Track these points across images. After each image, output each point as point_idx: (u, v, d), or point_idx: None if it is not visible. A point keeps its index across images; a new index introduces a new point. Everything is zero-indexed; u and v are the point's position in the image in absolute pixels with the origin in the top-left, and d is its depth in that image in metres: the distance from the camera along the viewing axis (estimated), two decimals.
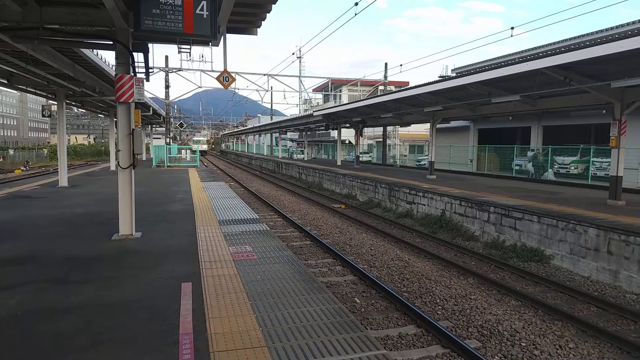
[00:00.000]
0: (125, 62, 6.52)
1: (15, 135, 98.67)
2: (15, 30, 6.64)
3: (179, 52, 15.66)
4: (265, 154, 50.32)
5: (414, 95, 15.32)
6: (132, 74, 6.53)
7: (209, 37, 5.95)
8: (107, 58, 12.81)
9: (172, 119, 37.68)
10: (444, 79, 16.23)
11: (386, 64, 30.03)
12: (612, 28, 20.02)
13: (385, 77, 30.25)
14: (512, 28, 15.51)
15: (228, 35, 7.97)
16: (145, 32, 5.83)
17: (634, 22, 19.27)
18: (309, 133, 40.59)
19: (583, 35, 21.34)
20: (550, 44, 22.83)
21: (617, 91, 9.86)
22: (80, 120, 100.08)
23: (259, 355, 3.18)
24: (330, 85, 40.74)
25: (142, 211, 8.71)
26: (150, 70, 8.30)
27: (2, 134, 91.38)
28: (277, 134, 48.00)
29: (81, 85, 13.48)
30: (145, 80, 7.75)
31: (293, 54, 33.17)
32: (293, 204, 16.67)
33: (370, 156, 38.98)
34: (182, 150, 27.79)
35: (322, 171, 23.59)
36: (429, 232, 11.55)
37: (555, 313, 6.22)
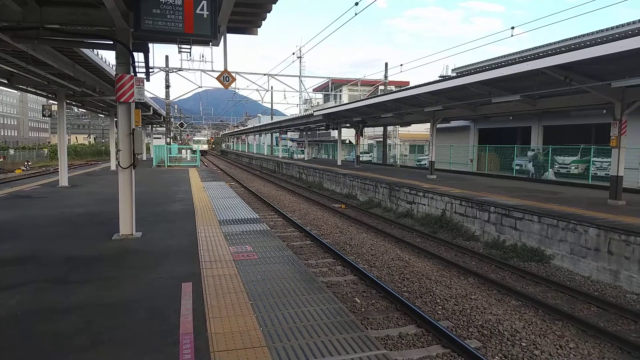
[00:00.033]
0: (125, 62, 6.52)
1: (16, 135, 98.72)
2: (16, 30, 6.65)
3: (179, 52, 15.68)
4: (265, 154, 50.31)
5: (414, 95, 15.31)
6: (133, 74, 6.53)
7: (209, 37, 5.95)
8: (108, 58, 12.83)
9: (172, 119, 37.71)
10: (444, 78, 16.23)
11: (386, 64, 30.04)
12: (612, 28, 20.00)
13: (386, 77, 30.25)
14: (513, 28, 15.52)
15: (228, 35, 7.98)
16: (145, 32, 5.83)
17: (634, 22, 19.25)
18: (309, 133, 40.59)
19: (583, 35, 21.32)
20: (550, 44, 22.81)
21: (617, 91, 9.85)
22: (81, 120, 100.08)
23: (259, 355, 3.18)
24: (330, 85, 40.75)
25: (143, 211, 8.71)
26: (150, 70, 8.29)
27: (2, 134, 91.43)
28: (278, 134, 48.02)
29: (81, 85, 13.49)
30: (145, 80, 7.76)
31: (293, 53, 33.21)
32: (293, 204, 16.67)
33: (371, 156, 38.97)
34: (183, 150, 27.85)
35: (322, 171, 23.58)
36: (429, 232, 11.55)
37: (556, 313, 6.21)
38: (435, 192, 12.93)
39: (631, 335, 5.58)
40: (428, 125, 19.26)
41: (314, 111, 30.60)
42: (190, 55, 37.60)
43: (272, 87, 47.14)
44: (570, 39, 22.06)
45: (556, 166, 19.37)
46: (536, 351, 5.07)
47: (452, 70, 33.41)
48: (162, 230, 7.40)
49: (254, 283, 4.75)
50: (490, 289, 7.31)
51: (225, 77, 10.17)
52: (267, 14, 7.48)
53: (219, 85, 12.13)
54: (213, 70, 27.19)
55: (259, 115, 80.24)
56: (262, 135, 58.21)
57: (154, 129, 48.16)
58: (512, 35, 15.69)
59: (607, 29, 20.24)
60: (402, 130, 39.86)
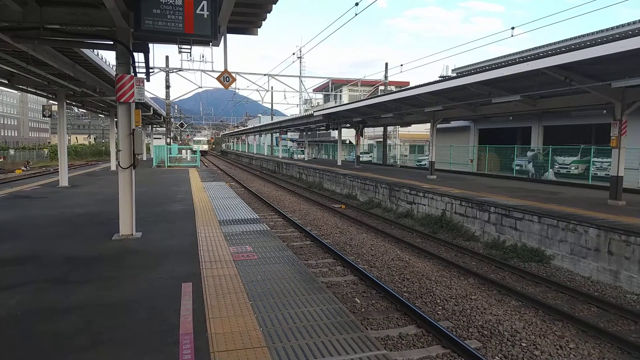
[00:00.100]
0: (125, 62, 6.52)
1: (16, 135, 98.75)
2: (16, 30, 6.65)
3: (180, 52, 15.69)
4: (265, 154, 50.32)
5: (415, 95, 15.32)
6: (133, 74, 6.53)
7: (210, 37, 5.95)
8: (108, 58, 12.83)
9: (172, 119, 37.69)
10: (444, 79, 16.23)
11: (387, 64, 30.05)
12: (612, 28, 20.00)
13: (386, 77, 30.25)
14: (513, 28, 15.52)
15: (228, 35, 7.98)
16: (145, 32, 5.83)
17: (634, 22, 19.25)
18: (310, 133, 40.60)
19: (583, 35, 21.31)
20: (550, 44, 22.81)
21: (617, 91, 9.85)
22: (81, 120, 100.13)
23: (259, 355, 3.18)
24: (330, 86, 40.74)
25: (143, 211, 8.72)
26: (150, 70, 8.29)
27: (2, 134, 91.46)
28: (278, 134, 48.02)
29: (82, 85, 13.50)
30: (145, 80, 7.75)
31: (293, 54, 33.21)
32: (293, 204, 16.66)
33: (371, 156, 38.96)
34: (183, 150, 27.82)
35: (322, 171, 23.58)
36: (429, 232, 11.55)
37: (556, 313, 6.21)
38: (436, 193, 12.93)
39: (631, 336, 5.58)
40: (428, 125, 19.26)
41: (314, 111, 30.60)
42: (190, 56, 37.70)
43: (272, 87, 47.24)
44: (571, 39, 22.06)
45: (556, 166, 19.37)
46: (536, 351, 5.06)
47: (452, 70, 33.41)
48: (162, 230, 7.40)
49: (254, 283, 4.75)
50: (491, 289, 7.31)
51: (226, 78, 10.18)
52: (267, 14, 7.48)
53: (219, 86, 12.14)
54: (213, 71, 27.21)
55: (259, 115, 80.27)
56: (262, 135, 58.22)
57: (154, 129, 48.18)
58: (512, 36, 15.71)
59: (607, 29, 20.23)
60: (402, 131, 39.86)
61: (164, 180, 17.10)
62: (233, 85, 28.11)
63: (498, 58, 26.66)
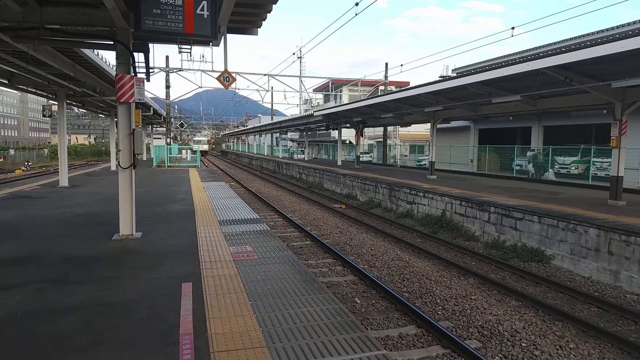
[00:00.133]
0: (125, 62, 6.52)
1: (16, 135, 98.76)
2: (16, 30, 6.65)
3: (180, 52, 15.69)
4: (265, 154, 50.32)
5: (415, 95, 15.32)
6: (133, 74, 6.53)
7: (210, 37, 5.95)
8: (108, 58, 12.83)
9: (172, 119, 37.70)
10: (444, 79, 16.23)
11: (387, 64, 30.06)
12: (612, 28, 19.99)
13: (386, 77, 30.26)
14: (513, 28, 15.53)
15: (229, 35, 7.98)
16: (145, 32, 5.83)
17: (634, 22, 19.24)
18: (310, 133, 40.60)
19: (584, 35, 21.31)
20: (550, 44, 22.81)
21: (617, 91, 9.85)
22: (81, 120, 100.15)
23: (259, 355, 3.18)
24: (330, 86, 40.74)
25: (143, 211, 8.72)
26: (150, 70, 8.29)
27: (2, 134, 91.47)
28: (278, 134, 48.02)
29: (82, 85, 13.50)
30: (145, 80, 7.75)
31: (293, 54, 33.23)
32: (293, 204, 16.66)
33: (371, 156, 38.97)
34: (183, 150, 27.81)
35: (322, 171, 23.59)
36: (429, 232, 11.55)
37: (556, 313, 6.21)
38: (436, 193, 12.93)
39: (631, 336, 5.58)
40: (428, 125, 19.25)
41: (314, 111, 30.60)
42: (190, 56, 37.73)
43: (272, 87, 47.25)
44: (571, 39, 22.05)
45: (556, 166, 19.37)
46: (536, 351, 5.06)
47: (452, 70, 33.41)
48: (162, 230, 7.40)
49: (254, 283, 4.75)
50: (491, 290, 7.31)
51: (226, 78, 10.17)
52: (267, 14, 7.48)
53: (219, 86, 12.14)
54: (213, 71, 27.23)
55: (259, 115, 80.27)
56: (262, 135, 58.23)
57: (154, 129, 48.18)
58: (512, 36, 15.71)
59: (607, 29, 20.23)
60: (402, 131, 39.85)
61: (164, 180, 17.10)
62: (233, 85, 28.12)
63: (498, 58, 26.66)
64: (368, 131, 39.52)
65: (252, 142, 67.26)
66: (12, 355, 3.15)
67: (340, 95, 47.61)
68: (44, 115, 16.29)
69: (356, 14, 16.61)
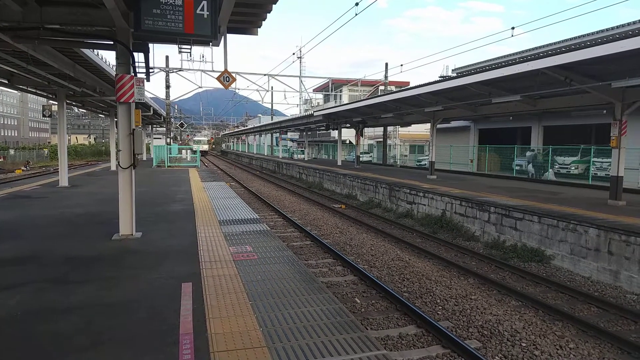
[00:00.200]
0: (125, 62, 6.52)
1: (16, 135, 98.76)
2: (16, 30, 6.65)
3: (180, 52, 15.69)
4: (265, 154, 50.32)
5: (415, 95, 15.32)
6: (133, 74, 6.53)
7: (210, 37, 5.95)
8: (108, 58, 12.83)
9: (172, 119, 37.71)
10: (444, 79, 16.23)
11: (387, 64, 30.06)
12: (612, 28, 19.99)
13: (386, 77, 30.26)
14: (513, 28, 15.53)
15: (228, 35, 7.98)
16: (145, 32, 5.83)
17: (634, 22, 19.24)
18: (310, 133, 40.60)
19: (584, 35, 21.31)
20: (550, 44, 22.81)
21: (617, 91, 9.85)
22: (81, 120, 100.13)
23: (259, 355, 3.18)
24: (330, 86, 40.75)
25: (143, 211, 8.71)
26: (150, 70, 8.29)
27: (2, 134, 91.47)
28: (278, 134, 48.02)
29: (82, 85, 13.50)
30: (145, 80, 7.76)
31: (293, 54, 33.23)
32: (293, 204, 16.67)
33: (371, 156, 38.97)
34: (183, 150, 27.82)
35: (322, 171, 23.59)
36: (429, 232, 11.55)
37: (556, 313, 6.21)
38: (436, 193, 12.93)
39: (631, 336, 5.58)
40: (428, 125, 19.26)
41: (314, 111, 30.60)
42: (190, 56, 37.71)
43: (272, 87, 47.19)
44: (571, 39, 22.05)
45: (556, 166, 19.37)
46: (536, 351, 5.06)
47: (452, 70, 33.42)
48: (162, 230, 7.40)
49: (254, 283, 4.75)
50: (491, 289, 7.31)
51: (226, 78, 10.17)
52: (267, 14, 7.48)
53: (219, 86, 12.13)
54: (213, 71, 27.22)
55: (259, 115, 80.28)
56: (262, 135, 58.22)
57: (154, 129, 48.19)
58: (512, 36, 15.71)
59: (607, 29, 20.23)
60: (402, 131, 39.86)
61: (164, 180, 17.10)
62: (233, 85, 28.12)
63: (498, 58, 26.66)
64: (368, 131, 39.53)
65: (252, 142, 67.27)
66: (12, 355, 3.15)
67: (340, 95, 47.61)
68: (44, 115, 16.29)
69: (356, 14, 16.63)
